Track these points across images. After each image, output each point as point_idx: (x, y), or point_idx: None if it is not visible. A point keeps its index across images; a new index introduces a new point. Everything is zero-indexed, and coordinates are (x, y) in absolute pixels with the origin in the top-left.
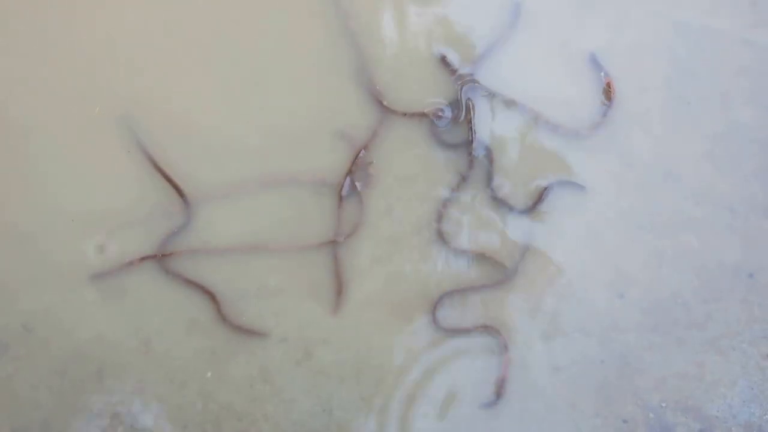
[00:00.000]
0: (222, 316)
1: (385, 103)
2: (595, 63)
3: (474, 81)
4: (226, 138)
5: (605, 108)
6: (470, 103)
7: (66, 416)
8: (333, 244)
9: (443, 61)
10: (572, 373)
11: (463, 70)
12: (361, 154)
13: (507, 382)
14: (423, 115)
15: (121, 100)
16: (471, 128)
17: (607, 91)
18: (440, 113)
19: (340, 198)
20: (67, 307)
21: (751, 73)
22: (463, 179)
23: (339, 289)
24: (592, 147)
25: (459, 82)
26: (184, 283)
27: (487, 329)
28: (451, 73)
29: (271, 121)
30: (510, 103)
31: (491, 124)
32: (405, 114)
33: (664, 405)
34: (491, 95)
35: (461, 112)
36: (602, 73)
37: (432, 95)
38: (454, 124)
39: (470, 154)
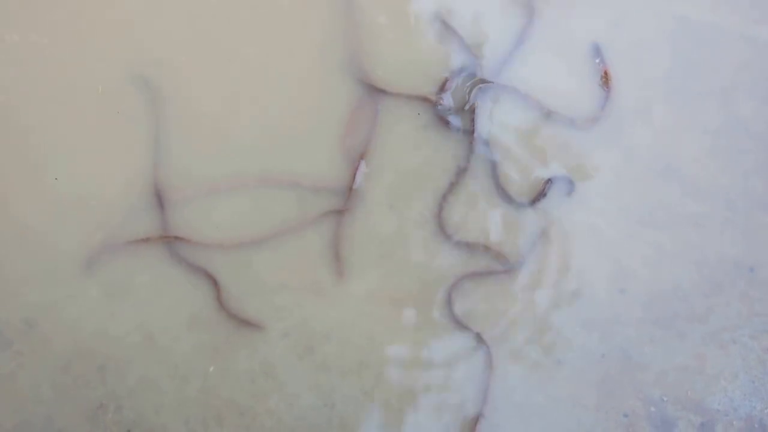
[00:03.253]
0: (221, 304)
1: (386, 88)
2: (596, 52)
3: (485, 81)
4: (228, 133)
5: (604, 99)
6: (475, 104)
7: (69, 411)
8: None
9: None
10: (573, 368)
11: (475, 70)
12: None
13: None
14: (425, 99)
15: (123, 91)
16: (473, 122)
17: (605, 80)
18: (441, 101)
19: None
20: (69, 303)
21: (752, 69)
22: (463, 171)
23: (338, 255)
24: (594, 141)
25: (470, 83)
26: (187, 268)
27: (480, 339)
28: (467, 76)
29: (273, 118)
30: (520, 96)
31: (494, 119)
32: (408, 96)
33: (665, 399)
34: (502, 90)
35: (466, 105)
36: (597, 61)
37: (433, 86)
38: (456, 112)
39: (470, 144)
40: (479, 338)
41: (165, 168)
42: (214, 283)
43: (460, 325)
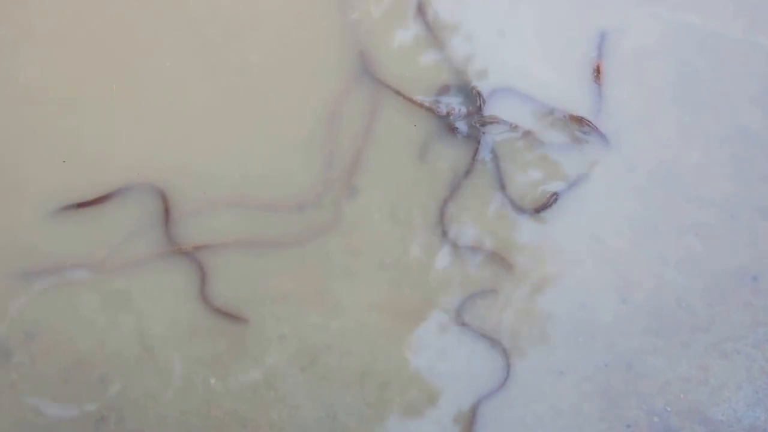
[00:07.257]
0: (203, 297)
1: (395, 88)
2: (596, 44)
3: (495, 119)
4: (228, 141)
5: (598, 98)
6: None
7: (70, 423)
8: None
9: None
10: (577, 378)
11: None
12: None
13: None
14: (429, 108)
15: (120, 104)
16: (479, 131)
17: (597, 74)
18: (452, 110)
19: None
20: (70, 314)
21: (755, 76)
22: (465, 178)
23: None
24: (596, 151)
25: (478, 121)
26: (179, 253)
27: (494, 342)
28: (477, 109)
29: (275, 125)
30: (523, 133)
31: (497, 130)
32: (413, 101)
33: (668, 409)
34: (509, 127)
35: (474, 120)
36: (592, 54)
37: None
38: (462, 119)
39: (474, 151)
40: (500, 349)
41: (167, 178)
42: (202, 274)
43: (481, 336)
